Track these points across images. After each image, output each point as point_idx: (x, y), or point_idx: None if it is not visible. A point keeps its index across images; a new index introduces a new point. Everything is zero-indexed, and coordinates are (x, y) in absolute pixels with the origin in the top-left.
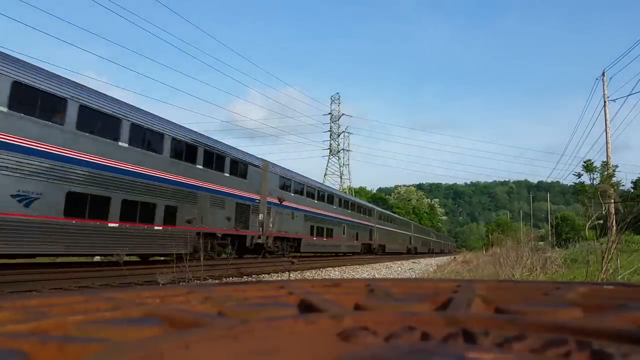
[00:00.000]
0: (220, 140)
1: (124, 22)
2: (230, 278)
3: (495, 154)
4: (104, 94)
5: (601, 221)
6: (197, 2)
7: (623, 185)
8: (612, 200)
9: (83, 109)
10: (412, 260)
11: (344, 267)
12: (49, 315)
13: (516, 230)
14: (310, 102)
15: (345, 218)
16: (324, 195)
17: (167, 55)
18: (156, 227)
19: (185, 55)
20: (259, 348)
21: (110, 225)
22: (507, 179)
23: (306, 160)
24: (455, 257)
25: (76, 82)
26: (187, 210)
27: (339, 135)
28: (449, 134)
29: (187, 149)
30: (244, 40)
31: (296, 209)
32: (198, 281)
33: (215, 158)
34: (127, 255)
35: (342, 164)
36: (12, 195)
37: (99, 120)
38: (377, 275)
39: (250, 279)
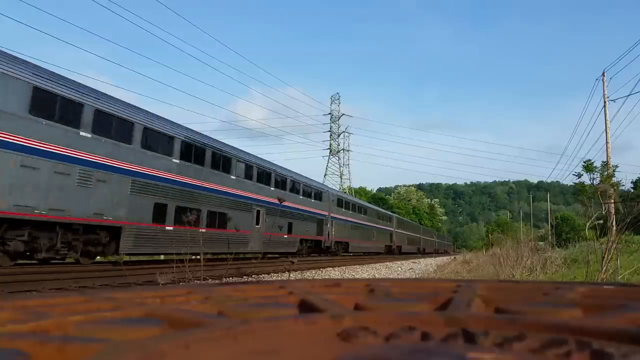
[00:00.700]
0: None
1: (124, 22)
2: (230, 278)
3: (495, 154)
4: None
5: (601, 221)
6: (197, 2)
7: (623, 185)
8: (612, 200)
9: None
10: (412, 260)
11: (344, 267)
12: (49, 315)
13: (516, 231)
14: (311, 102)
15: (375, 225)
16: (362, 208)
17: (167, 55)
18: (285, 236)
19: (186, 55)
20: (259, 348)
21: (285, 237)
22: (507, 179)
23: (306, 160)
24: (455, 257)
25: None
26: (299, 225)
27: (339, 135)
28: (449, 134)
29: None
30: (244, 41)
31: (347, 220)
32: (198, 281)
33: (313, 193)
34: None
35: (342, 164)
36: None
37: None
38: (377, 275)
39: (250, 279)
